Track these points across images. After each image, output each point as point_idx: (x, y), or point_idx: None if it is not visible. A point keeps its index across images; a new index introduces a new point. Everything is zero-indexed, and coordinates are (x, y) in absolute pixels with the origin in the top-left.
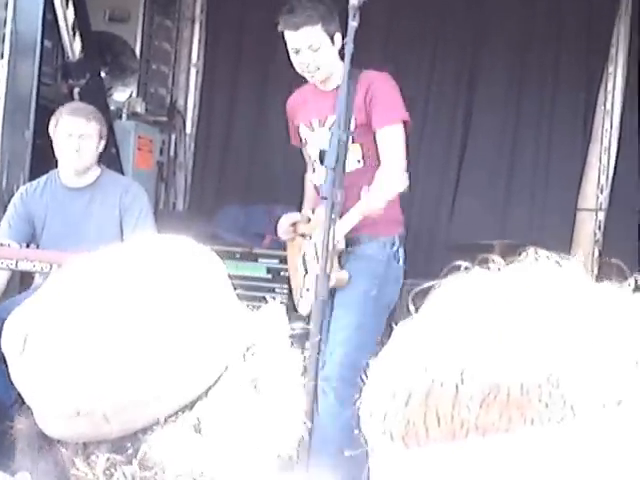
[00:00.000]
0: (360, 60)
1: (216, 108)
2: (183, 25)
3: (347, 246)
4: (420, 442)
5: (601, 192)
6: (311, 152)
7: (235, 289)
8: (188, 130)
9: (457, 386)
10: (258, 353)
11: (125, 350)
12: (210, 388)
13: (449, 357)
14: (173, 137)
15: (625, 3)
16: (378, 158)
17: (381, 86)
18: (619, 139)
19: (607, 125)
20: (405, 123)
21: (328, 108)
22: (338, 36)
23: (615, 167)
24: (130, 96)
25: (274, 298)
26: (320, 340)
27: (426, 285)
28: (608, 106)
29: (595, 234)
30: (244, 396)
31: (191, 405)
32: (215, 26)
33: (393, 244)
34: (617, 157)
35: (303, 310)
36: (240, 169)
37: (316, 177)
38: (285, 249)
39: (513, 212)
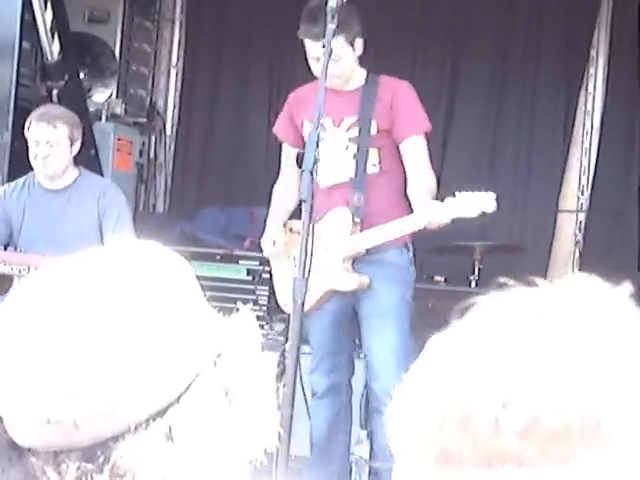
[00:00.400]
0: None
1: (196, 109)
2: (163, 26)
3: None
4: (452, 465)
5: (582, 193)
6: (319, 149)
7: (215, 291)
8: (168, 131)
9: (497, 415)
10: (229, 359)
11: (95, 358)
12: (181, 395)
13: (490, 383)
14: (153, 138)
15: (606, 4)
16: (394, 163)
17: (408, 95)
18: (599, 140)
19: (588, 126)
20: (426, 134)
21: (345, 109)
22: (359, 41)
23: (596, 168)
24: (110, 97)
25: (255, 300)
26: (299, 346)
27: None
28: (589, 107)
29: (576, 235)
30: (215, 403)
31: (162, 412)
32: (195, 27)
33: (408, 249)
34: (597, 158)
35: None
36: (220, 171)
37: (318, 175)
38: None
39: (494, 213)
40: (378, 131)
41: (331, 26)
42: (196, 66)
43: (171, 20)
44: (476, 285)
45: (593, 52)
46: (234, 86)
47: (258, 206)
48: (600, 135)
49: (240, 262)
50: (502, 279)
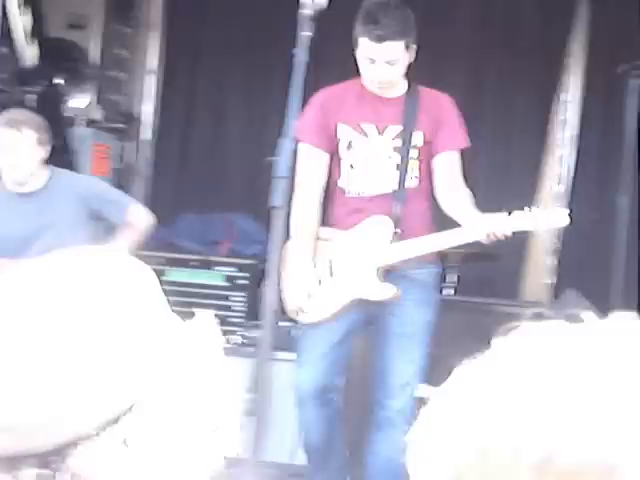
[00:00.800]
0: (323, 58)
1: (174, 115)
2: (141, 32)
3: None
4: None
5: (557, 201)
6: (356, 157)
7: (191, 297)
8: (145, 137)
9: (513, 456)
10: (188, 365)
11: (47, 365)
12: (136, 402)
13: (508, 424)
14: (130, 144)
15: (581, 14)
16: (428, 178)
17: (453, 109)
18: (577, 150)
19: (563, 136)
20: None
21: (389, 117)
22: (413, 48)
23: (573, 177)
24: (88, 103)
25: (231, 307)
26: (271, 353)
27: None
28: (564, 117)
29: (551, 244)
30: (171, 408)
31: (117, 419)
32: (173, 33)
33: (438, 270)
34: (575, 168)
35: (304, 318)
36: (198, 176)
37: (350, 183)
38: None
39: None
40: (424, 143)
41: (306, 34)
42: (174, 72)
43: (149, 26)
44: (455, 293)
45: (568, 61)
46: (212, 92)
47: (235, 212)
48: (577, 144)
49: (216, 268)
50: (540, 309)
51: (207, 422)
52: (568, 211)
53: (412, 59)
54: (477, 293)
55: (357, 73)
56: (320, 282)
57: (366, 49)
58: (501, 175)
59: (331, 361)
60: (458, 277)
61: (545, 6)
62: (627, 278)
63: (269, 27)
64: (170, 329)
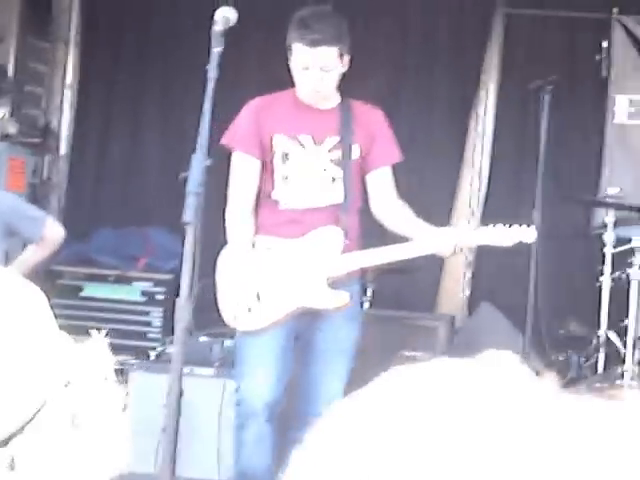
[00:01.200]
0: (242, 76)
1: (90, 130)
2: (57, 46)
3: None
4: None
5: (472, 215)
6: (291, 169)
7: (108, 312)
8: (62, 151)
9: None
10: (78, 388)
11: None
12: (26, 424)
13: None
14: (46, 159)
15: (496, 31)
16: (360, 191)
17: (385, 123)
18: (492, 163)
19: (479, 148)
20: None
21: (327, 129)
22: (347, 57)
23: (487, 190)
24: (3, 117)
25: (149, 322)
26: (181, 369)
27: None
28: (480, 129)
29: (466, 257)
30: (61, 430)
31: (5, 442)
32: (90, 48)
33: (362, 285)
34: (490, 181)
35: (245, 325)
36: (114, 191)
37: (284, 195)
38: (157, 271)
39: (385, 235)
40: (359, 157)
41: (216, 49)
42: (90, 87)
43: (66, 40)
44: (370, 306)
45: (484, 77)
46: (128, 107)
47: (152, 226)
48: (492, 158)
49: (134, 283)
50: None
51: (95, 442)
52: (535, 230)
53: (345, 69)
54: (394, 306)
55: (276, 88)
56: (262, 290)
57: (300, 55)
58: (418, 187)
59: (279, 372)
60: (373, 291)
61: (461, 22)
62: (540, 291)
63: (186, 42)
64: (57, 351)
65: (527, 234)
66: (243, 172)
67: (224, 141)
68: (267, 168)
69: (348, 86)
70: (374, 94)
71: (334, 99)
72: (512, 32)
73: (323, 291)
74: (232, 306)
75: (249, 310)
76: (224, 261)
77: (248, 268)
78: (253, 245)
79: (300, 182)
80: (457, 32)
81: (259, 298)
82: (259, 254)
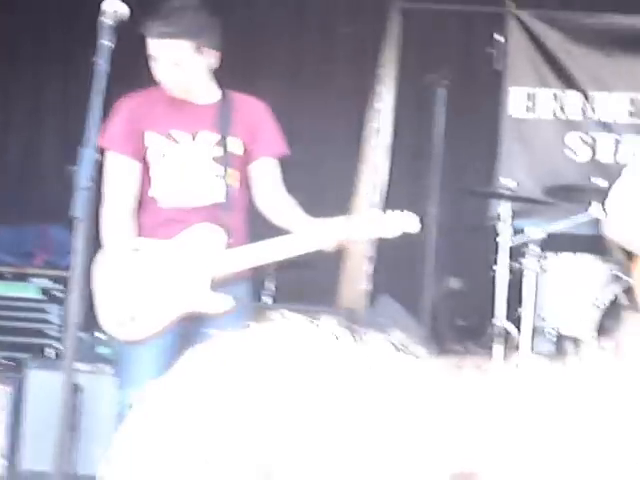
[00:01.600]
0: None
1: None
2: None
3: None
4: None
5: (371, 210)
6: (169, 166)
7: (6, 310)
8: None
9: None
10: None
11: None
12: None
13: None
14: None
15: (393, 25)
16: (246, 186)
17: (268, 115)
18: (390, 158)
19: (377, 144)
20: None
21: (200, 123)
22: (210, 52)
23: (386, 185)
24: None
25: (47, 320)
26: (71, 365)
27: None
28: (377, 125)
29: (367, 252)
30: None
31: None
32: None
33: (251, 285)
34: (389, 176)
35: (126, 336)
36: (12, 187)
37: (164, 193)
38: (58, 268)
39: (283, 233)
40: (243, 152)
41: (106, 43)
42: None
43: None
44: (274, 301)
45: (381, 71)
46: (27, 101)
47: (50, 223)
48: (391, 153)
49: (31, 280)
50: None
51: None
52: (417, 218)
53: (213, 65)
54: (296, 300)
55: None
56: (141, 297)
57: (149, 47)
58: (316, 183)
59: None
60: (275, 286)
61: (358, 16)
62: (436, 284)
63: (86, 35)
64: None
65: (410, 223)
66: (118, 173)
67: (100, 142)
68: (144, 166)
69: (242, 79)
70: (270, 89)
71: (213, 93)
72: (409, 26)
73: (207, 294)
74: (111, 316)
75: (131, 319)
76: (99, 268)
77: (123, 274)
78: (133, 250)
79: (178, 180)
80: (355, 25)
81: (139, 306)
82: (131, 257)
